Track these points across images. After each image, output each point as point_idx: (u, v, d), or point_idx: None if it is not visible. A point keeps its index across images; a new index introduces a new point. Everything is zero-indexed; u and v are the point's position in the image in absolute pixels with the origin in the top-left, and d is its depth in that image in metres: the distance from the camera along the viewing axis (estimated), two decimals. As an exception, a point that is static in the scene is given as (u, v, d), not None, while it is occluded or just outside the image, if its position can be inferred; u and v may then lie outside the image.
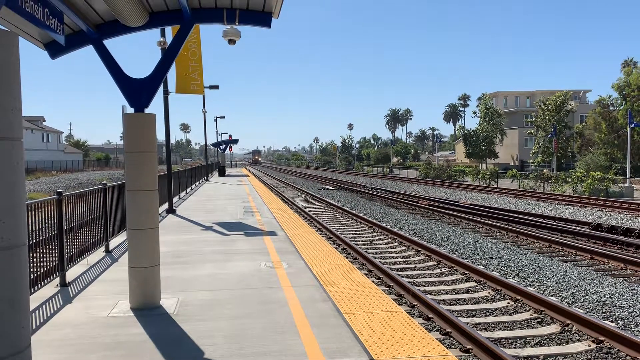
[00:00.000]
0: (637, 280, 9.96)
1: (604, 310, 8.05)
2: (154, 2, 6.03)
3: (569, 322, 7.18)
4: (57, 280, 7.10)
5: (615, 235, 14.35)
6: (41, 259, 6.59)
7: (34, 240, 6.35)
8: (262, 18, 6.39)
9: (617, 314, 7.85)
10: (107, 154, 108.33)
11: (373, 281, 9.41)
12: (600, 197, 26.91)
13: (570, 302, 8.50)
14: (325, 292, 6.73)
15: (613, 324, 7.20)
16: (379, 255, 12.34)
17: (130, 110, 6.22)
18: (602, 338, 6.57)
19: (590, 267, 11.04)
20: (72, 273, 7.66)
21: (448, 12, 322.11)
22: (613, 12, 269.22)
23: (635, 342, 6.15)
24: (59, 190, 7.47)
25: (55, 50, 6.34)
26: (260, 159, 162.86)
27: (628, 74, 47.29)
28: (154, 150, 6.19)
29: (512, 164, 64.07)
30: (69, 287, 7.08)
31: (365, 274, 9.94)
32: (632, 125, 31.80)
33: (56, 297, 6.62)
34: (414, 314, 7.77)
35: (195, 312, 5.95)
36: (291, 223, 13.57)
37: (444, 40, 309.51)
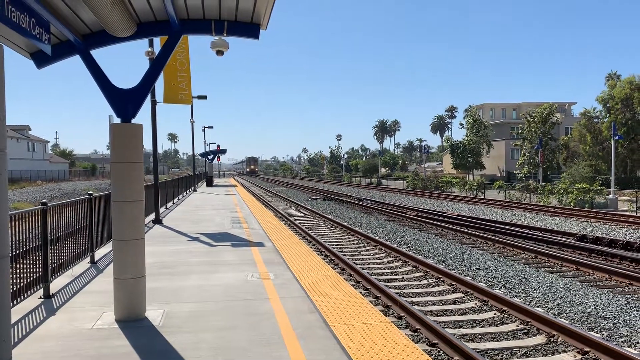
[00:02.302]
0: (621, 291, 10.05)
1: (589, 321, 8.10)
2: (142, 13, 6.03)
3: (554, 333, 7.22)
4: (41, 291, 7.00)
5: (600, 247, 14.49)
6: (25, 270, 6.50)
7: (18, 251, 6.27)
8: (251, 29, 6.43)
9: (602, 324, 7.91)
10: (94, 163, 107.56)
11: (360, 292, 9.40)
12: (585, 209, 27.19)
13: (556, 313, 8.56)
14: (312, 304, 6.71)
15: (598, 335, 7.26)
16: (367, 266, 12.34)
17: (117, 120, 6.19)
18: (587, 349, 6.61)
19: (575, 278, 11.12)
20: (56, 284, 7.56)
21: (435, 24, 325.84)
22: (597, 25, 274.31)
23: (620, 353, 6.19)
24: (44, 200, 7.39)
25: (41, 60, 6.31)
26: (257, 169, 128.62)
27: (612, 87, 48.09)
28: (141, 160, 6.17)
29: (499, 175, 64.56)
30: (52, 299, 6.98)
31: (353, 285, 9.92)
32: (616, 138, 32.27)
33: (39, 308, 6.53)
34: (401, 325, 7.76)
35: (181, 324, 5.90)
36: (279, 234, 13.54)
37: (432, 51, 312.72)
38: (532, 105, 66.85)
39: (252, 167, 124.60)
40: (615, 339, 7.34)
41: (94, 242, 9.57)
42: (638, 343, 7.15)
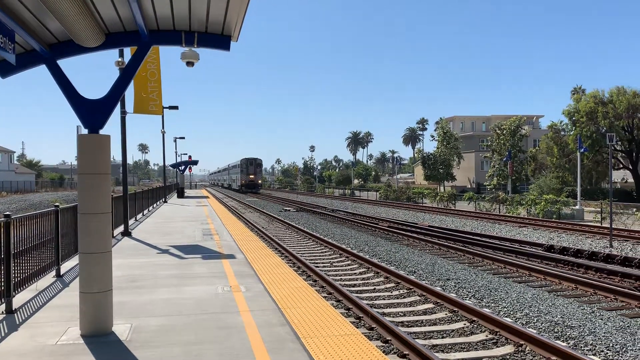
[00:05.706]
0: (586, 300, 10.28)
1: (555, 330, 8.25)
2: (111, 23, 5.97)
3: (522, 342, 7.33)
4: (3, 306, 6.79)
5: (566, 257, 14.81)
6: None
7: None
8: (221, 41, 6.42)
9: (568, 333, 8.06)
10: (62, 174, 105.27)
11: (332, 304, 9.39)
12: (553, 219, 27.78)
13: (524, 322, 8.69)
14: (283, 316, 6.67)
15: (564, 344, 7.40)
16: (339, 278, 12.34)
17: (84, 131, 6.09)
18: (554, 358, 6.73)
19: (543, 288, 11.33)
20: (19, 299, 7.34)
21: (406, 39, 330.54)
22: (562, 40, 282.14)
23: (585, 361, 6.32)
24: (7, 212, 7.19)
25: (5, 69, 6.18)
26: (260, 181, 77.55)
27: (577, 101, 49.35)
28: (108, 172, 6.07)
29: (469, 187, 65.55)
30: (15, 314, 6.77)
31: (325, 297, 9.90)
32: (582, 150, 33.12)
33: (1, 324, 6.32)
34: (372, 336, 7.77)
35: (149, 339, 5.79)
36: (251, 245, 13.44)
37: (403, 65, 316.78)
38: (501, 118, 68.26)
39: (252, 176, 73.51)
40: (581, 347, 7.49)
41: (60, 255, 9.33)
42: (602, 351, 7.32)
